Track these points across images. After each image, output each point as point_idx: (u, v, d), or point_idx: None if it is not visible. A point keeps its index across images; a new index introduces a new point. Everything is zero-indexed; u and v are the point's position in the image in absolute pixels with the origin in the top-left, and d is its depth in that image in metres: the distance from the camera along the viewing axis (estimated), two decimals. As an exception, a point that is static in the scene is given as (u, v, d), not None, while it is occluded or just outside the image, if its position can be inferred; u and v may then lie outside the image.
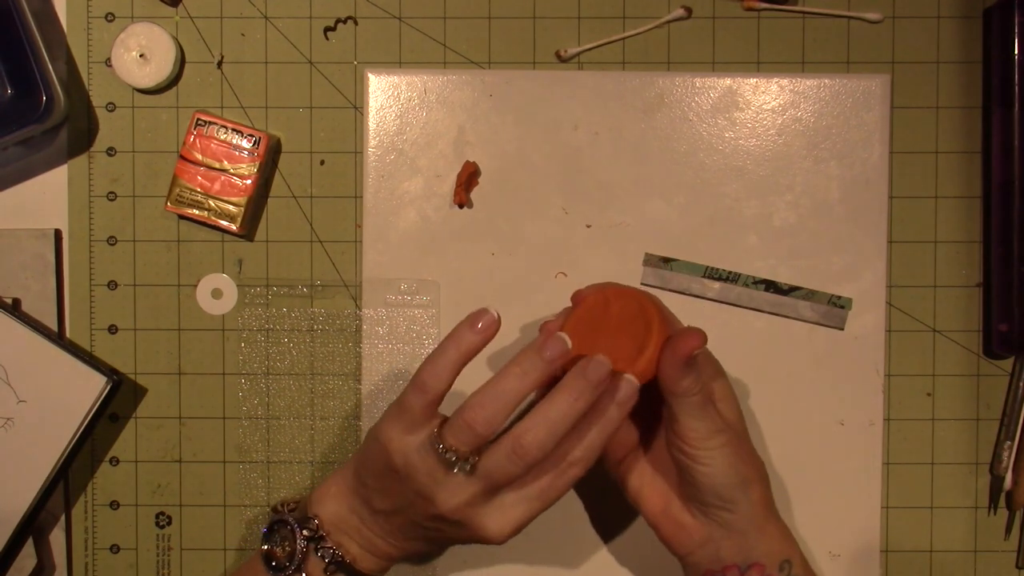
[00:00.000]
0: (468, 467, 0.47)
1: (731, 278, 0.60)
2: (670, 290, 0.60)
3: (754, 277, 0.60)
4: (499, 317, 0.48)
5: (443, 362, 0.48)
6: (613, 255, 0.60)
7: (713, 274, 0.60)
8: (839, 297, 0.60)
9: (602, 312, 0.52)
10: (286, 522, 0.52)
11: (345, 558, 0.51)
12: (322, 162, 0.61)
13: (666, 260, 0.60)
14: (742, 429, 0.53)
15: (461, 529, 0.49)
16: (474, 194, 0.61)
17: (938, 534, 0.61)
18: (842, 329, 0.60)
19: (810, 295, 0.60)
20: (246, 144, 0.59)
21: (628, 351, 0.50)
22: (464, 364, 0.49)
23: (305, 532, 0.51)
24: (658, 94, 0.60)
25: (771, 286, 0.60)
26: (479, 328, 0.48)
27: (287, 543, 0.51)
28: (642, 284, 0.60)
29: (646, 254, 0.60)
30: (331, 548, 0.51)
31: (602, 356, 0.47)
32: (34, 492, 0.58)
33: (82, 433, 0.59)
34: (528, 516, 0.49)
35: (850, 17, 0.61)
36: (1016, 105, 0.58)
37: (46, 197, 0.61)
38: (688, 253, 0.60)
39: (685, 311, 0.60)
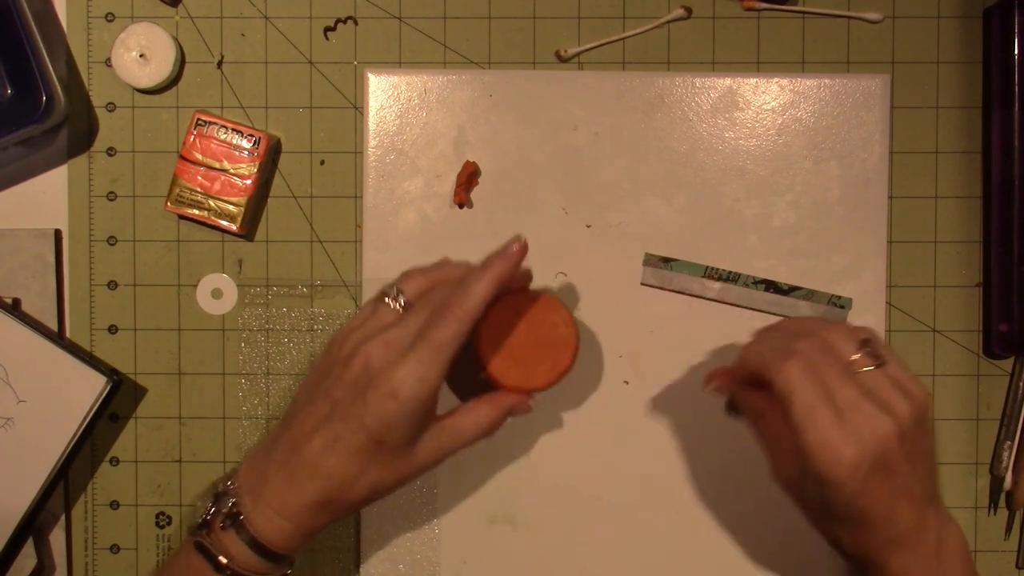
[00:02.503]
0: (402, 299, 0.52)
1: (731, 278, 0.60)
2: (670, 290, 0.60)
3: (754, 277, 0.60)
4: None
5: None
6: (613, 255, 0.60)
7: (713, 274, 0.60)
8: (839, 297, 0.60)
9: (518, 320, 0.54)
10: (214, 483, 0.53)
11: (240, 512, 0.50)
12: (322, 162, 0.61)
13: (666, 260, 0.60)
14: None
15: (377, 384, 0.49)
16: (474, 194, 0.61)
17: (938, 534, 0.61)
18: None
19: (810, 295, 0.60)
20: (246, 144, 0.59)
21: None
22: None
23: (219, 488, 0.52)
24: (658, 94, 0.60)
25: (771, 286, 0.60)
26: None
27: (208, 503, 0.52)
28: (642, 284, 0.60)
29: (646, 254, 0.60)
30: (231, 500, 0.51)
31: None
32: (34, 492, 0.58)
33: (82, 433, 0.59)
34: (425, 368, 0.49)
35: (850, 17, 0.61)
36: (1016, 105, 0.58)
37: (46, 197, 0.61)
38: (688, 253, 0.60)
39: (685, 311, 0.60)
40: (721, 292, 0.60)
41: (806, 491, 0.50)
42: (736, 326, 0.60)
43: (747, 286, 0.60)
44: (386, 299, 0.53)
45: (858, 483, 0.47)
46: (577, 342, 0.54)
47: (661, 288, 0.60)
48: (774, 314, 0.60)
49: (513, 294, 0.54)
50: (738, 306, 0.60)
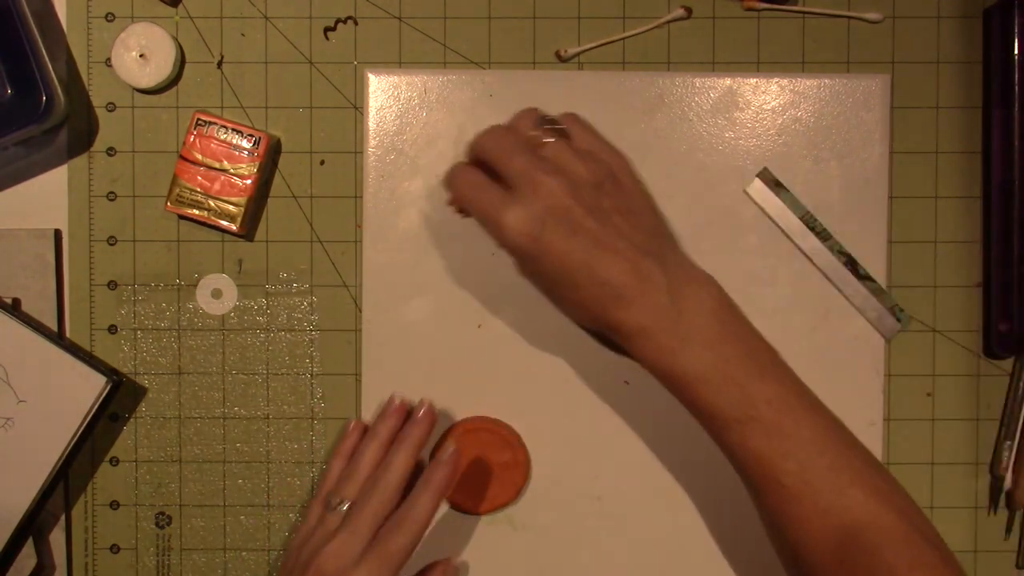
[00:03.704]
0: (344, 505, 0.54)
1: (823, 235, 0.59)
2: (768, 215, 0.60)
3: (841, 246, 0.59)
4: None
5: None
6: (613, 255, 0.60)
7: (810, 221, 0.59)
8: (901, 309, 0.60)
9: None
10: None
11: None
12: (322, 162, 0.61)
13: (779, 184, 0.59)
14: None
15: None
16: (474, 194, 0.60)
17: (938, 534, 0.61)
18: (888, 340, 0.60)
19: (878, 291, 0.60)
20: (246, 144, 0.59)
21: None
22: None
23: None
24: (658, 94, 0.60)
25: (851, 262, 0.60)
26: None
27: None
28: (744, 191, 0.60)
29: (764, 168, 0.60)
30: None
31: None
32: (34, 492, 0.58)
33: (82, 433, 0.59)
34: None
35: (850, 17, 0.61)
36: (1016, 105, 0.58)
37: (46, 197, 0.61)
38: (688, 253, 0.60)
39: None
40: (810, 246, 0.59)
41: (522, 270, 0.55)
42: (736, 326, 0.60)
43: (832, 251, 0.59)
44: (330, 508, 0.55)
45: (533, 243, 0.51)
46: (528, 464, 0.60)
47: (759, 207, 0.60)
48: (840, 290, 0.60)
49: (466, 425, 0.60)
50: (817, 268, 0.60)
